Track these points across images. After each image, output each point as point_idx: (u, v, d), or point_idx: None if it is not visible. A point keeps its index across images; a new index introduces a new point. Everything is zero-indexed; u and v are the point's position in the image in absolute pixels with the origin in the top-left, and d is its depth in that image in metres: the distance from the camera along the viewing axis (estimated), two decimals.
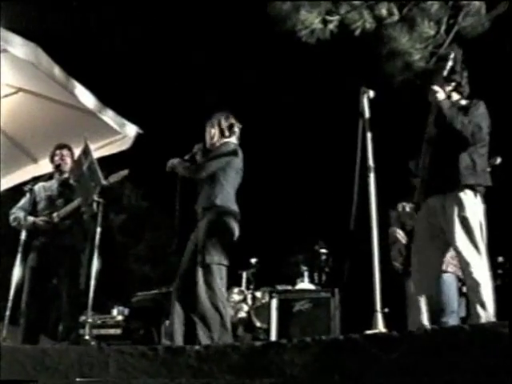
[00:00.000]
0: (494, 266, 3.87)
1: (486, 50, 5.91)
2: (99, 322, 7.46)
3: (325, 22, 5.57)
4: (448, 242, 3.55)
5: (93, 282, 4.64)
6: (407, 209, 5.27)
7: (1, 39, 4.26)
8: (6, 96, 5.35)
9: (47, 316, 5.15)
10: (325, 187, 12.59)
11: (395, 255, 5.38)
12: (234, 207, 4.24)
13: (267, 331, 5.94)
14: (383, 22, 5.57)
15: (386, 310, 3.50)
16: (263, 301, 6.85)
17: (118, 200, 16.40)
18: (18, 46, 4.41)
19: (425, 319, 3.56)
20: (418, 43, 5.57)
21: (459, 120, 3.51)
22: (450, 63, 3.67)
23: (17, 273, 4.85)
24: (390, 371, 2.05)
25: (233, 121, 4.44)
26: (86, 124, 5.43)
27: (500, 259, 6.57)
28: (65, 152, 5.32)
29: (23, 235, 4.96)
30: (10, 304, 4.69)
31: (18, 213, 5.18)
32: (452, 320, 4.30)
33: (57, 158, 5.32)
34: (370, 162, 3.45)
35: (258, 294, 7.08)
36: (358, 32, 5.53)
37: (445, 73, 3.66)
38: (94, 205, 4.87)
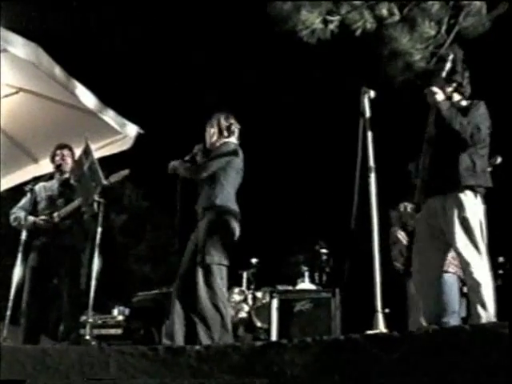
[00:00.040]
0: (494, 266, 3.86)
1: (487, 50, 5.91)
2: (100, 322, 7.47)
3: (325, 22, 5.57)
4: (449, 243, 3.55)
5: (93, 282, 4.64)
6: (409, 209, 5.27)
7: (1, 39, 4.26)
8: (7, 96, 5.35)
9: (48, 316, 5.15)
10: (325, 187, 12.60)
11: (396, 255, 5.39)
12: (235, 207, 4.24)
13: (268, 331, 5.95)
14: (384, 22, 5.57)
15: (387, 310, 3.50)
16: (264, 301, 6.85)
17: (119, 200, 16.42)
18: (19, 46, 4.40)
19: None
20: (419, 43, 5.57)
21: (458, 121, 3.50)
22: (448, 64, 3.67)
23: (17, 273, 4.85)
24: (391, 371, 2.05)
25: (233, 121, 4.44)
26: (87, 124, 5.42)
27: (501, 259, 6.57)
28: (65, 152, 5.32)
29: (24, 235, 4.96)
30: (10, 304, 4.69)
31: (18, 213, 5.18)
32: (453, 320, 4.29)
33: (57, 158, 5.32)
34: (371, 162, 3.45)
35: (259, 294, 7.09)
36: (358, 32, 5.53)
37: (443, 74, 3.66)
38: (95, 205, 4.87)
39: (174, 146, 5.60)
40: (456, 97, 3.75)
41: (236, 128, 4.43)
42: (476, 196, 3.50)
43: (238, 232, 4.22)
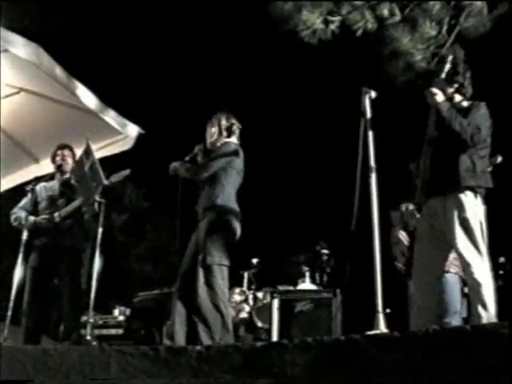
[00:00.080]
0: (495, 266, 3.87)
1: (488, 50, 5.91)
2: (101, 322, 7.46)
3: (326, 23, 5.57)
4: (449, 243, 3.55)
5: (94, 282, 4.64)
6: (410, 209, 5.26)
7: (2, 39, 4.27)
8: (8, 96, 5.35)
9: (49, 316, 5.15)
10: (326, 187, 12.60)
11: (398, 256, 5.38)
12: (235, 207, 4.24)
13: (268, 331, 5.94)
14: (385, 22, 5.57)
15: (388, 310, 3.50)
16: (264, 301, 6.85)
17: (120, 200, 16.43)
18: (20, 46, 4.41)
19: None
20: (420, 44, 5.56)
21: (458, 122, 3.50)
22: (448, 65, 3.66)
23: (18, 273, 4.85)
24: (392, 372, 2.05)
25: (233, 121, 4.44)
26: (88, 124, 5.43)
27: (501, 260, 6.56)
28: (66, 152, 5.32)
29: (24, 235, 4.96)
30: (11, 304, 4.69)
31: (19, 213, 5.18)
32: (455, 320, 4.29)
33: (58, 159, 5.32)
34: (372, 162, 3.45)
35: (260, 295, 7.09)
36: (359, 32, 5.52)
37: (443, 75, 3.65)
38: (96, 205, 4.87)
39: (175, 146, 5.61)
40: (457, 97, 3.74)
41: (237, 128, 4.43)
42: (476, 197, 3.50)
43: (238, 232, 4.22)
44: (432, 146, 3.66)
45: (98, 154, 5.18)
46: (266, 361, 2.31)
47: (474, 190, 3.50)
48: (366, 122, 3.56)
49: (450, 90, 3.70)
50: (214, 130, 4.41)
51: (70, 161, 5.30)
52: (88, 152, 4.89)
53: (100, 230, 4.80)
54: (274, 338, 5.60)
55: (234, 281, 6.98)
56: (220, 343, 3.73)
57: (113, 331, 7.41)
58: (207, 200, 4.21)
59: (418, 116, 4.00)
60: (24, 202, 5.23)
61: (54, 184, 5.30)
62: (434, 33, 5.54)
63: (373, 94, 3.61)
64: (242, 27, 11.00)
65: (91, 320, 4.68)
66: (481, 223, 3.46)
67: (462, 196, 3.48)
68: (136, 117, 5.85)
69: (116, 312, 7.76)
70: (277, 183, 13.72)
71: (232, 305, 6.71)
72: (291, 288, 6.73)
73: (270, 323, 5.81)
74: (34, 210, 5.14)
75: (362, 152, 3.50)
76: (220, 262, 4.04)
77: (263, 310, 6.69)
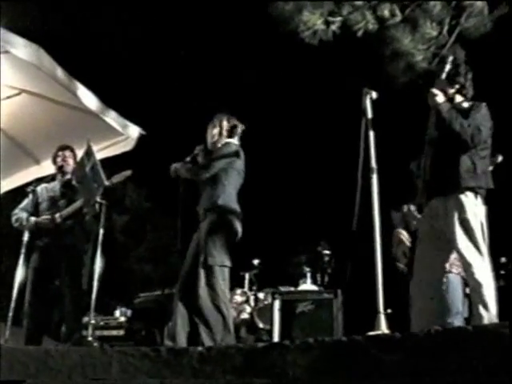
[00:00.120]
0: (496, 266, 3.86)
1: (489, 50, 5.91)
2: (102, 323, 7.45)
3: (327, 23, 5.57)
4: (450, 244, 3.54)
5: (95, 283, 4.65)
6: (411, 209, 5.26)
7: (2, 40, 4.27)
8: (9, 97, 5.36)
9: (50, 317, 5.15)
10: (327, 188, 12.59)
11: (399, 256, 5.37)
12: (236, 208, 4.24)
13: (270, 332, 5.94)
14: (386, 22, 5.57)
15: (389, 311, 3.50)
16: (266, 302, 6.84)
17: (121, 201, 16.43)
18: (21, 48, 4.41)
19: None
20: (421, 44, 5.57)
21: (458, 122, 3.50)
22: (448, 66, 3.66)
23: (19, 274, 4.85)
24: (393, 372, 2.05)
25: (235, 121, 4.44)
26: (89, 125, 5.43)
27: (503, 260, 6.55)
28: (67, 153, 5.32)
29: (26, 236, 4.96)
30: (12, 305, 4.69)
31: (20, 213, 5.19)
32: (457, 321, 4.28)
33: (59, 160, 5.32)
34: (373, 163, 3.45)
35: (261, 295, 7.08)
36: (360, 33, 5.53)
37: (443, 76, 3.65)
38: (97, 205, 4.88)
39: (176, 146, 5.60)
40: (458, 98, 3.74)
41: (238, 129, 4.43)
42: (477, 197, 3.50)
43: (239, 233, 4.22)
44: (432, 147, 3.67)
45: (99, 155, 5.19)
46: (267, 362, 2.31)
47: (474, 190, 3.50)
48: (366, 123, 3.56)
49: (451, 91, 3.70)
50: (216, 130, 4.41)
51: (71, 162, 5.30)
52: (89, 153, 4.90)
53: (101, 230, 4.80)
54: (276, 338, 5.59)
55: (236, 282, 6.97)
56: (221, 344, 3.73)
57: (114, 332, 7.41)
58: (208, 201, 4.21)
59: (418, 116, 4.00)
60: (25, 203, 5.24)
61: (55, 185, 5.30)
62: (434, 33, 5.55)
63: (374, 94, 3.61)
64: (242, 28, 11.01)
65: (92, 321, 4.68)
66: (481, 224, 3.46)
67: (462, 197, 3.48)
68: (137, 118, 5.85)
69: (117, 313, 7.76)
70: (278, 184, 13.71)
71: (233, 306, 6.70)
72: (292, 289, 6.73)
73: (272, 324, 5.80)
74: (35, 211, 5.15)
75: (362, 153, 3.50)
76: (221, 263, 4.04)
77: (264, 311, 6.69)
